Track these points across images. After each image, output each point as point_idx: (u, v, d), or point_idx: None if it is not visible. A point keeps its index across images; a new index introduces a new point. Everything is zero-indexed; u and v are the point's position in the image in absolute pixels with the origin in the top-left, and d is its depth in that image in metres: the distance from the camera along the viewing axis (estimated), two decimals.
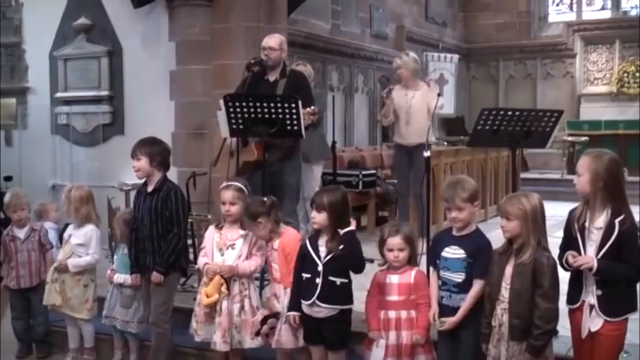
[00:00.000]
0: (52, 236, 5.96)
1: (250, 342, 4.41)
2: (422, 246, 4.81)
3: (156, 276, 4.59)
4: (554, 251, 3.61)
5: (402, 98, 7.10)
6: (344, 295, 4.07)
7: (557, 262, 3.56)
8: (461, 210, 3.77)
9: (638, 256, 3.45)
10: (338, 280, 4.01)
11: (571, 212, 3.66)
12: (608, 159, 3.52)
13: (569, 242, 3.59)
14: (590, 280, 3.52)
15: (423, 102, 6.99)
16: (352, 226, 3.99)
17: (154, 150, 4.68)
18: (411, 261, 4.00)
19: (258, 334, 4.31)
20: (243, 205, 4.46)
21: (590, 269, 3.44)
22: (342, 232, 3.97)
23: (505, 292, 3.59)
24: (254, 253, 4.46)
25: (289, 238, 4.35)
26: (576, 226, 3.57)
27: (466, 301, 3.73)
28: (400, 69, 7.13)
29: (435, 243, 3.97)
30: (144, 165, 4.65)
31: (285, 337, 4.23)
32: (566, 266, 3.55)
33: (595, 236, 3.50)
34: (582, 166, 3.55)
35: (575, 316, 3.62)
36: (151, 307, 4.70)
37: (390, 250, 3.97)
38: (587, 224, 3.54)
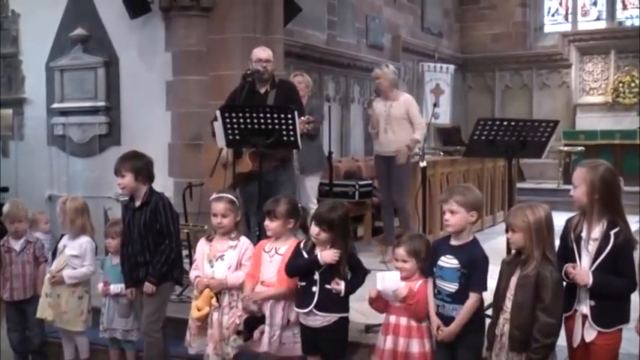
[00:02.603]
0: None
1: (231, 349, 4.35)
2: None
3: (148, 286, 4.57)
4: None
5: (381, 108, 7.22)
6: (341, 303, 4.07)
7: None
8: (453, 213, 3.76)
9: (633, 268, 3.46)
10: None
11: (568, 221, 3.67)
12: (604, 170, 3.53)
13: (566, 252, 3.60)
14: (584, 291, 3.53)
15: (402, 111, 7.08)
16: None
17: (138, 164, 4.65)
18: (423, 273, 3.98)
19: (239, 333, 4.27)
20: (234, 217, 4.46)
21: (585, 285, 3.46)
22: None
23: (508, 303, 3.59)
24: (243, 264, 4.42)
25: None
26: (572, 236, 3.58)
27: (461, 313, 3.71)
28: (379, 79, 7.25)
29: (432, 250, 3.96)
30: (129, 181, 4.62)
31: (287, 344, 4.21)
32: (564, 278, 3.55)
33: (591, 247, 3.51)
34: (578, 177, 3.56)
35: (568, 324, 3.62)
36: (143, 317, 4.69)
37: (396, 260, 4.06)
38: (583, 234, 3.55)
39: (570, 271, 3.51)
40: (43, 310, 5.20)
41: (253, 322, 4.22)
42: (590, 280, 3.44)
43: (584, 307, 3.53)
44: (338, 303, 4.06)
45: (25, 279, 5.45)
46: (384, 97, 7.26)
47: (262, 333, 4.19)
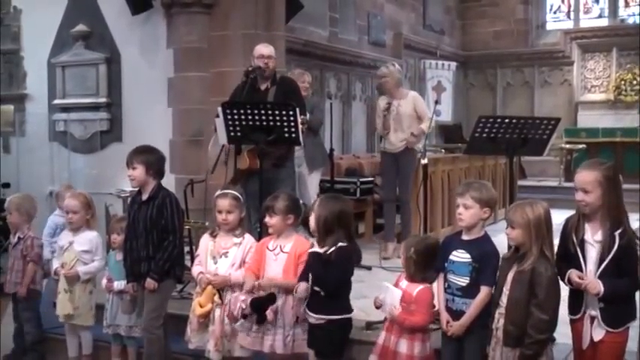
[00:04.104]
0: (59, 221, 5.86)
1: (240, 351, 4.36)
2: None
3: (149, 282, 4.57)
4: None
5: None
6: (331, 305, 4.05)
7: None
8: (467, 208, 3.77)
9: (636, 267, 3.45)
10: (322, 291, 4.02)
11: (567, 222, 3.65)
12: (609, 169, 3.52)
13: (567, 255, 3.58)
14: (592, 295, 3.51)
15: (410, 108, 7.10)
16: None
17: (150, 158, 4.66)
18: (417, 276, 3.96)
19: (245, 317, 4.20)
20: (239, 214, 4.45)
21: (598, 294, 3.43)
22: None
23: (504, 298, 3.59)
24: (247, 262, 4.40)
25: (305, 245, 4.28)
26: (575, 241, 3.55)
27: (471, 307, 3.71)
28: (386, 77, 7.26)
29: (443, 246, 3.96)
30: (140, 174, 4.62)
31: (297, 341, 4.19)
32: (569, 284, 3.54)
33: (595, 249, 3.49)
34: (591, 181, 3.50)
35: (576, 326, 3.61)
36: (144, 313, 4.69)
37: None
38: (587, 237, 3.52)
39: (578, 282, 3.48)
40: (63, 307, 5.15)
41: (260, 303, 4.14)
42: (602, 289, 3.42)
43: (593, 310, 3.51)
44: (328, 305, 4.04)
45: (12, 273, 5.45)
46: (389, 96, 7.26)
47: (276, 313, 4.15)
